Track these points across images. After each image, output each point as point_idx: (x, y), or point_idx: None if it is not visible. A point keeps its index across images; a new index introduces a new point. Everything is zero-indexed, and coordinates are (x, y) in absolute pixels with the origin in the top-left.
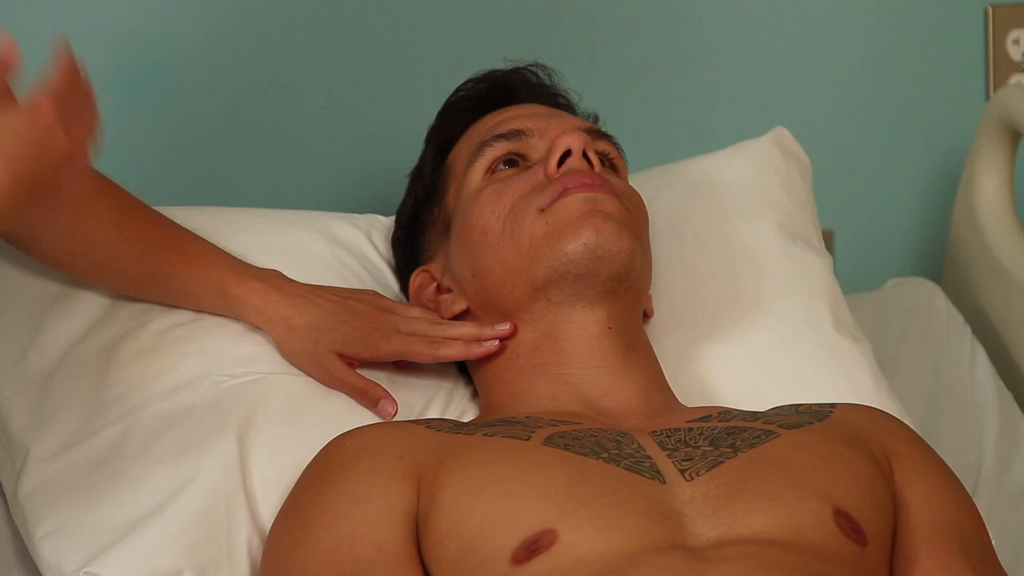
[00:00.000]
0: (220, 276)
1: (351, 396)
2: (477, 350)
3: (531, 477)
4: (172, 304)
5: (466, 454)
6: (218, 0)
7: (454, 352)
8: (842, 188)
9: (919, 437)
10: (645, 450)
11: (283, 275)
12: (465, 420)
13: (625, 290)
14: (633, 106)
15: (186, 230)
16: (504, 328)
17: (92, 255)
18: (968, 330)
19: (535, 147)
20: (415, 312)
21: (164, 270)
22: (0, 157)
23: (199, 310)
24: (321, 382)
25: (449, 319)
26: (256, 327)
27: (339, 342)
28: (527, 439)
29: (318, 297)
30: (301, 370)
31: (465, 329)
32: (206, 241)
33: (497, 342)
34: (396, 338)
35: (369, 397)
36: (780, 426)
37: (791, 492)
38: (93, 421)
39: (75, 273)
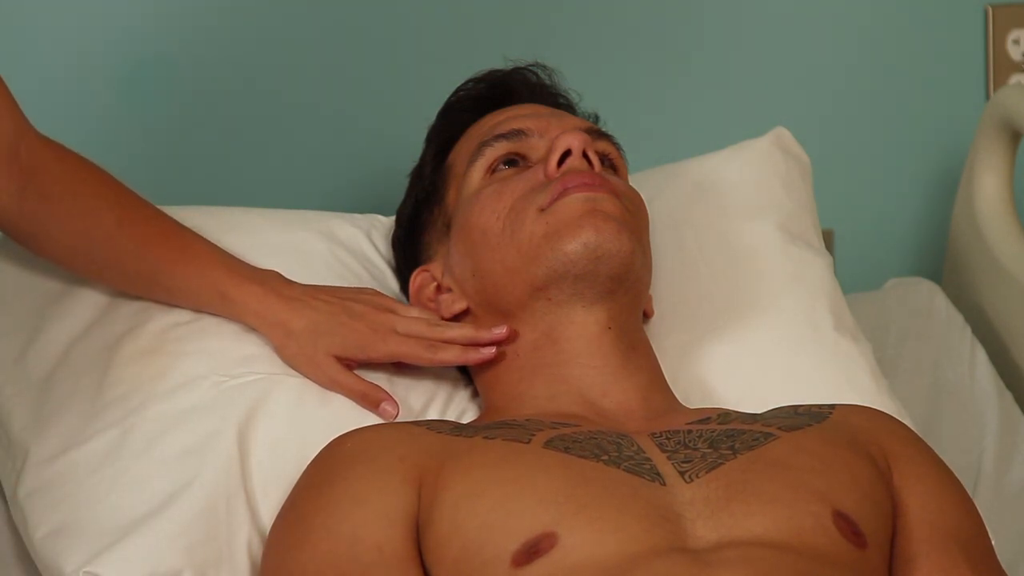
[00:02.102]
0: (219, 278)
1: (351, 399)
2: (474, 356)
3: (532, 480)
4: (171, 303)
5: (467, 457)
6: None
7: (451, 357)
8: (842, 188)
9: (919, 438)
10: (645, 452)
11: (281, 276)
12: (465, 420)
13: (625, 290)
14: (633, 106)
15: (186, 228)
16: (500, 331)
17: (92, 251)
18: (968, 330)
19: (535, 147)
20: (414, 312)
21: (163, 268)
22: None
23: (198, 310)
24: (320, 385)
25: (449, 319)
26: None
27: (337, 345)
28: (527, 442)
29: (315, 299)
30: (300, 373)
31: (462, 331)
32: (206, 240)
33: (494, 349)
34: (393, 340)
35: (370, 400)
36: (779, 428)
37: (790, 494)
38: (93, 422)
39: (75, 269)
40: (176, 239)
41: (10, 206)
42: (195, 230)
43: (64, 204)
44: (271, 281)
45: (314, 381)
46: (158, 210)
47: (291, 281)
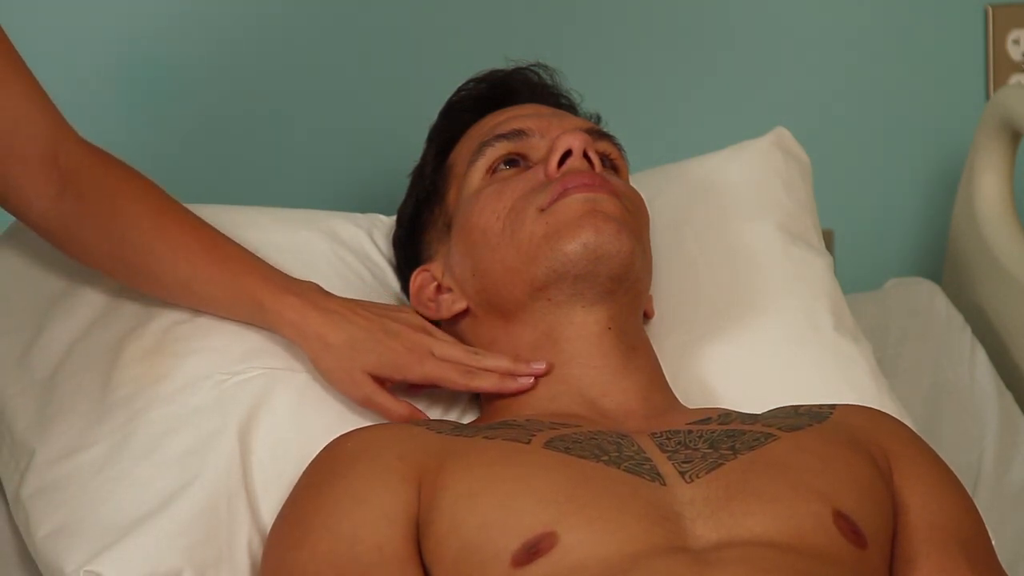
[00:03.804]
0: (256, 288)
1: (386, 419)
2: (512, 385)
3: (532, 480)
4: (207, 312)
5: (466, 456)
6: (221, 1)
7: (488, 384)
8: (842, 188)
9: (919, 438)
10: (645, 452)
11: (320, 288)
12: (466, 420)
13: (625, 290)
14: (633, 106)
15: (226, 237)
16: (540, 366)
17: (128, 257)
18: (968, 330)
19: (536, 147)
20: (450, 337)
21: (199, 276)
22: None
23: (233, 319)
24: (354, 401)
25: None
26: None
27: (374, 362)
28: (528, 442)
29: (354, 314)
30: (334, 388)
31: (500, 362)
32: (245, 249)
33: (532, 379)
34: (430, 362)
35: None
36: (779, 428)
37: (791, 494)
38: (98, 425)
39: (114, 276)
40: (215, 249)
41: (48, 210)
42: None
43: (102, 209)
44: (309, 293)
45: (348, 397)
46: (198, 218)
47: (329, 294)
